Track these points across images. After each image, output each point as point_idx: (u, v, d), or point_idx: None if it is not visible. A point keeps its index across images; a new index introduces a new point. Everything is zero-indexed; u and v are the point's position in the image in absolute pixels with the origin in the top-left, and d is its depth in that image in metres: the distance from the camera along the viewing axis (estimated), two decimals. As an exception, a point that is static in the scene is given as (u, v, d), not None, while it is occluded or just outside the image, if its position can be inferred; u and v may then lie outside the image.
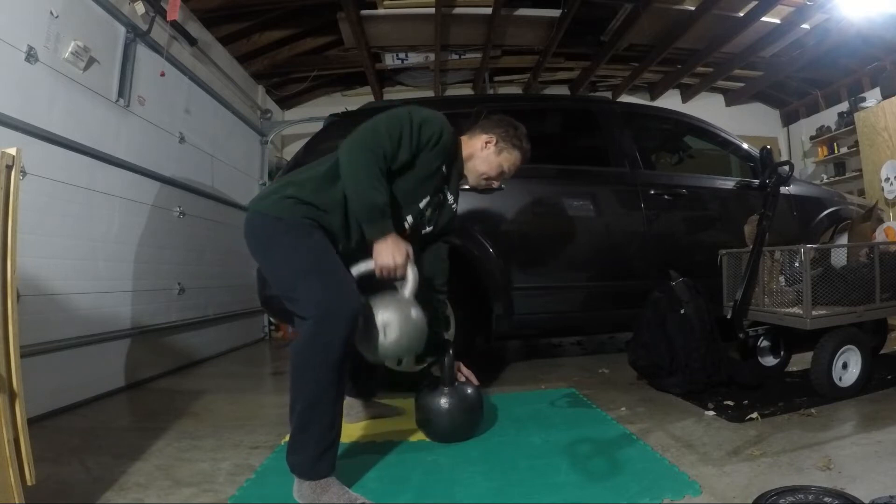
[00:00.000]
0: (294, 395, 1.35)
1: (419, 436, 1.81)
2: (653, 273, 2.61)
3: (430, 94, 5.84)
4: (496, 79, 5.90)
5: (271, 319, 4.82)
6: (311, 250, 1.45)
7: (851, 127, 5.34)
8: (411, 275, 1.55)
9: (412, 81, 5.80)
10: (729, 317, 2.26)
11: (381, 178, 1.50)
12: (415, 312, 1.54)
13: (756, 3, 4.37)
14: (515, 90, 6.04)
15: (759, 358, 2.39)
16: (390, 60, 5.31)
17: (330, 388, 1.33)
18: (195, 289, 3.55)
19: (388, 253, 1.48)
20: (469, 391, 1.79)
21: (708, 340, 2.17)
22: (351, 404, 1.94)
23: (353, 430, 1.88)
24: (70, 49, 2.41)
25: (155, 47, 3.13)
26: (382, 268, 1.49)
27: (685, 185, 2.87)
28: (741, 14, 4.54)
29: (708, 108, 5.95)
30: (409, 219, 1.65)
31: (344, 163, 1.50)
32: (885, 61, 5.05)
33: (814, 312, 2.02)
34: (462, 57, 5.30)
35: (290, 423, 1.36)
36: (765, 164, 2.41)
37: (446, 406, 1.73)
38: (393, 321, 1.49)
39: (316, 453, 1.31)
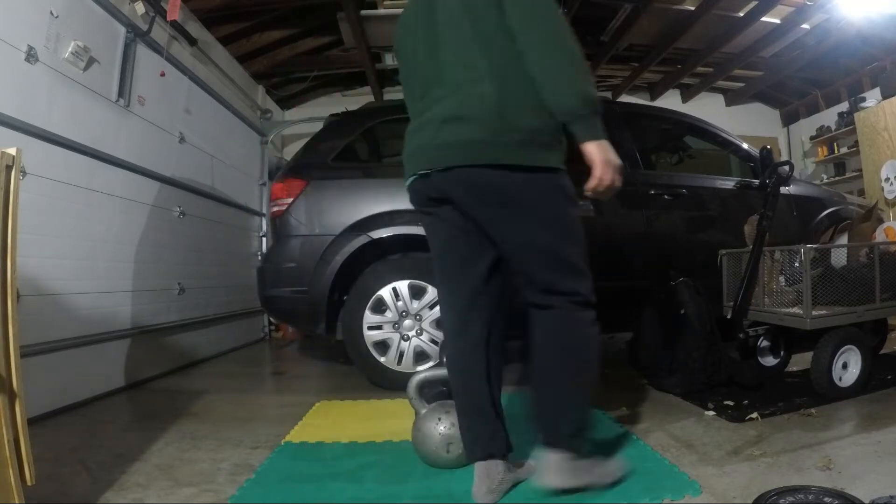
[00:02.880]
0: (575, 375, 1.33)
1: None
2: (653, 273, 2.60)
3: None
4: (496, 79, 5.89)
5: (271, 319, 4.82)
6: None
7: (851, 127, 5.33)
8: None
9: (412, 81, 5.80)
10: (729, 317, 2.27)
11: None
12: None
13: (756, 3, 4.37)
14: (515, 90, 6.03)
15: (759, 358, 2.39)
16: (390, 60, 5.29)
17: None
18: (195, 289, 3.55)
19: (610, 161, 1.22)
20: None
21: (708, 340, 2.17)
22: None
23: (353, 430, 1.88)
24: (70, 49, 2.40)
25: (155, 47, 3.12)
26: (603, 178, 1.20)
27: (685, 185, 2.87)
28: (741, 14, 4.53)
29: (708, 108, 5.94)
30: None
31: (540, 40, 1.18)
32: (885, 61, 5.05)
33: (814, 312, 2.02)
34: (462, 57, 5.29)
35: (568, 401, 1.32)
36: (765, 164, 2.41)
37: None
38: (457, 438, 1.49)
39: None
